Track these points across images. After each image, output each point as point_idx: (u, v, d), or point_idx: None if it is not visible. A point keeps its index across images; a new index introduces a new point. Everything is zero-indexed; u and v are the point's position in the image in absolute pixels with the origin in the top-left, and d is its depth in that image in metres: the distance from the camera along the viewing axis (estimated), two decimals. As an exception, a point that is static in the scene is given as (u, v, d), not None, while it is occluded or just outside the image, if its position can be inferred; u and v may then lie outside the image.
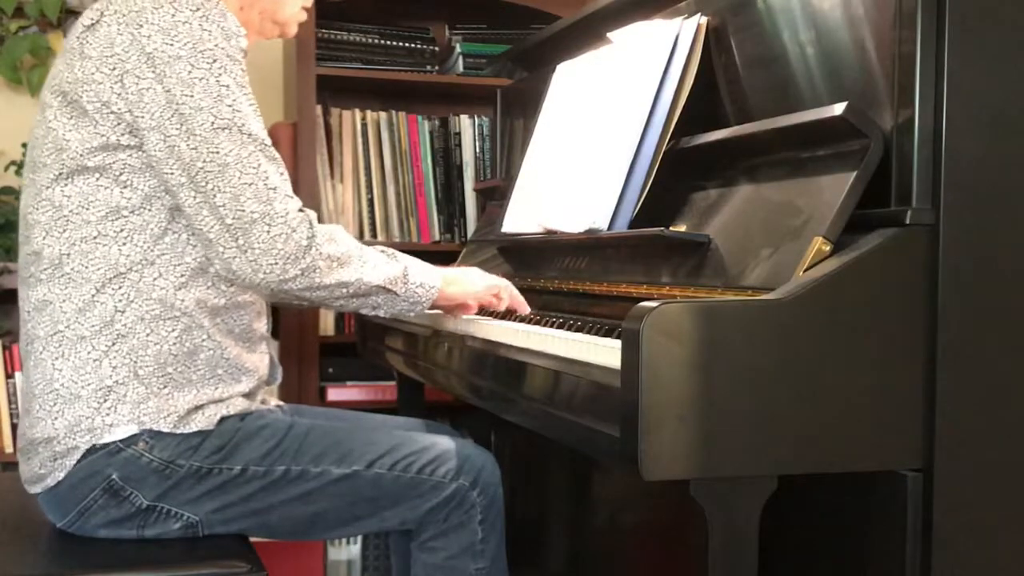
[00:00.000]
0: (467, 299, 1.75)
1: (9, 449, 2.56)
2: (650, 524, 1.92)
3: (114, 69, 1.48)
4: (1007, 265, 1.29)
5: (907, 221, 1.25)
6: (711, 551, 1.20)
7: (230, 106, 1.49)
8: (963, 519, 1.28)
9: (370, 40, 2.88)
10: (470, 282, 1.75)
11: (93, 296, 1.51)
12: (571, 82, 2.02)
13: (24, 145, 2.74)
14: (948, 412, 1.26)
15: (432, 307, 1.71)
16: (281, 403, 1.82)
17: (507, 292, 1.77)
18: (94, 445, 1.50)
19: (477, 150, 2.99)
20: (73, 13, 2.83)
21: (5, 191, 2.77)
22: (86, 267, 1.51)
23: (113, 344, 1.51)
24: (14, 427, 2.54)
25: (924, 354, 1.25)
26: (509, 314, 1.80)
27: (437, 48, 2.96)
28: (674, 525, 1.81)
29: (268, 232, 1.48)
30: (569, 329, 1.56)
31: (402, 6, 3.00)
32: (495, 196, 2.48)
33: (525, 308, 1.77)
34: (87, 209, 1.51)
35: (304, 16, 1.76)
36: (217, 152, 1.48)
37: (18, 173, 2.78)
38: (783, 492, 1.22)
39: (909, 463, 1.27)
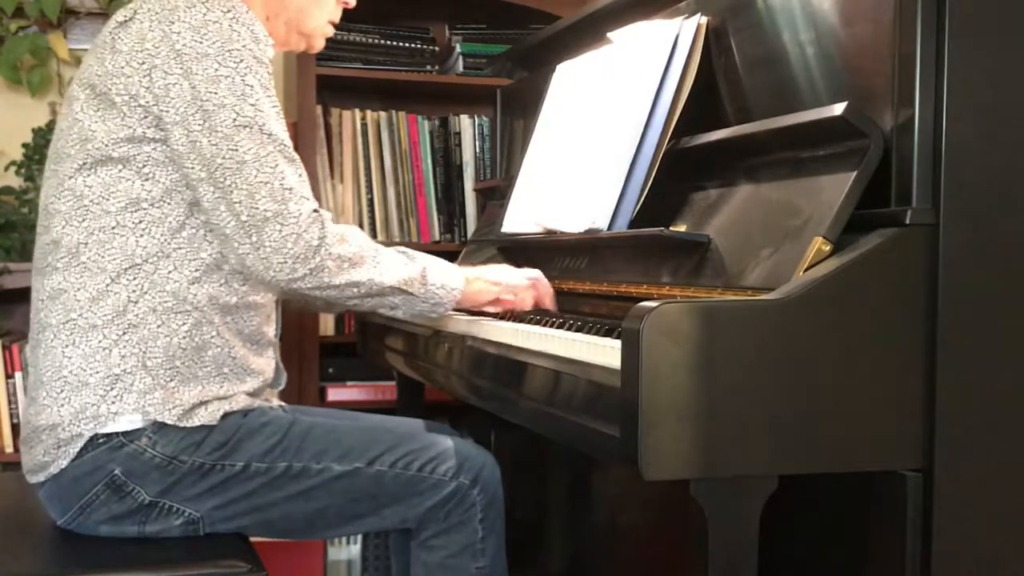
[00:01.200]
0: (491, 298, 1.74)
1: (9, 449, 2.56)
2: (650, 524, 1.92)
3: (143, 63, 1.51)
4: (1007, 265, 1.29)
5: (907, 221, 1.25)
6: (711, 551, 1.20)
7: (253, 105, 1.51)
8: (963, 519, 1.28)
9: (370, 40, 2.87)
10: (493, 281, 1.74)
11: (107, 285, 1.52)
12: (571, 82, 2.02)
13: (24, 145, 2.76)
14: (948, 412, 1.26)
15: (457, 308, 1.70)
16: (283, 404, 1.83)
17: (531, 292, 1.75)
18: (97, 434, 1.51)
19: (477, 150, 2.99)
20: (73, 13, 2.83)
21: (5, 191, 2.77)
22: (102, 256, 1.53)
23: (124, 333, 1.52)
24: (14, 427, 2.54)
25: (924, 354, 1.25)
26: (506, 314, 1.79)
27: (437, 48, 2.95)
28: (674, 525, 1.81)
29: (280, 232, 1.50)
30: (569, 329, 1.56)
31: (402, 6, 3.00)
32: (495, 196, 2.48)
33: (552, 305, 1.77)
34: (107, 199, 1.53)
35: (331, 30, 1.77)
36: (236, 149, 1.50)
37: (18, 173, 2.78)
38: (783, 492, 1.22)
39: (909, 463, 1.27)
